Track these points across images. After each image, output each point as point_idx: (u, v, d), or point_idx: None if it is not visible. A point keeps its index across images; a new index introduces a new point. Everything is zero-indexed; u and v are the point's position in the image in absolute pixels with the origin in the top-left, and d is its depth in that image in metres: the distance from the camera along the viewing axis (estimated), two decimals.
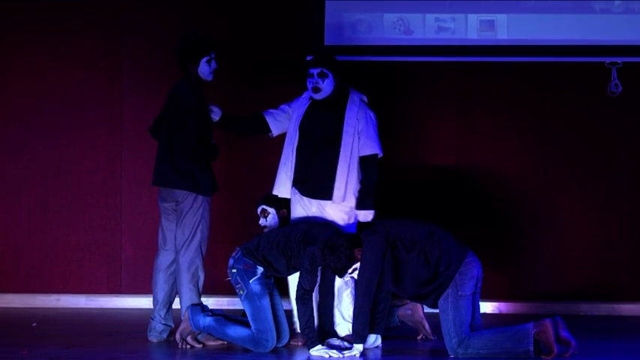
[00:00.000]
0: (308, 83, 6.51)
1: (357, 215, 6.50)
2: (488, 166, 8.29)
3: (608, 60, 8.14)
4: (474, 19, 8.14)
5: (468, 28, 8.15)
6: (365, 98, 6.60)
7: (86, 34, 8.38)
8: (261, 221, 6.65)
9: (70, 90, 8.39)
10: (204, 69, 6.50)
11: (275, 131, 6.73)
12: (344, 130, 6.45)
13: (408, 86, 8.33)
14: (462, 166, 8.29)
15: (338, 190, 6.41)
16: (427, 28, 8.17)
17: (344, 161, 6.42)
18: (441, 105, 8.32)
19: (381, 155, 6.53)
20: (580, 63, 8.19)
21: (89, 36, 8.38)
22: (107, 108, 8.38)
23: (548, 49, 8.09)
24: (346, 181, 6.42)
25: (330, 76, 6.48)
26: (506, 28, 8.13)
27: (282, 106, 6.73)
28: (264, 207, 6.62)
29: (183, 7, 8.36)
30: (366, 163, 6.48)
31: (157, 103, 6.91)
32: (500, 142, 8.29)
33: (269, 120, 6.70)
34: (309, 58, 6.61)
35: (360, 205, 6.46)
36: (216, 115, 6.62)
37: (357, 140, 6.47)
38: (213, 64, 6.52)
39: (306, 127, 6.52)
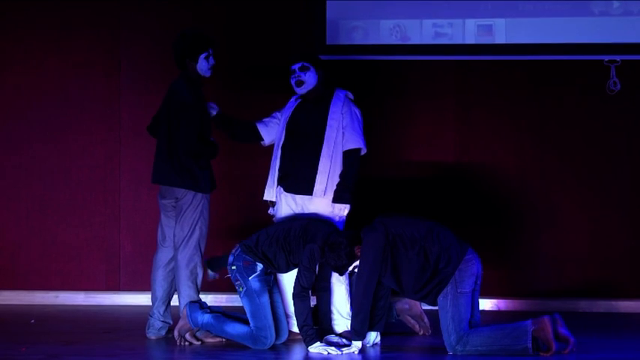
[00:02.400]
0: (291, 80, 6.53)
1: (335, 208, 6.49)
2: (487, 164, 8.29)
3: (606, 58, 8.15)
4: (471, 24, 8.12)
5: (466, 33, 8.14)
6: (350, 95, 6.60)
7: (85, 32, 8.38)
8: (270, 210, 6.67)
9: (68, 87, 8.39)
10: (202, 65, 6.51)
11: (267, 139, 6.73)
12: (328, 124, 6.45)
13: (407, 85, 8.34)
14: (460, 164, 8.29)
15: (319, 184, 6.40)
16: (424, 34, 8.16)
17: (326, 156, 6.41)
18: (440, 103, 8.32)
19: (364, 151, 6.51)
20: (579, 61, 8.19)
21: (88, 33, 8.38)
22: (106, 105, 8.38)
23: (547, 47, 8.09)
24: (328, 175, 6.41)
25: (312, 68, 6.49)
26: (505, 33, 8.11)
27: (273, 114, 6.74)
28: None
29: (182, 5, 8.36)
30: (348, 157, 6.46)
31: (155, 100, 6.91)
32: (499, 140, 8.29)
33: (260, 128, 6.70)
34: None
35: (337, 198, 6.42)
36: (213, 110, 6.62)
37: (342, 135, 6.46)
38: (212, 60, 6.54)
39: (291, 125, 6.53)
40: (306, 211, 6.45)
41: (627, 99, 8.22)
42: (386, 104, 8.26)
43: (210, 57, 6.53)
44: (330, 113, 6.47)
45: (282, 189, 6.53)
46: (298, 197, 6.49)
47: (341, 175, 6.45)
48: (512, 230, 8.27)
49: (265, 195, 6.62)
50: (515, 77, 8.29)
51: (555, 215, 8.26)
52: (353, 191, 6.46)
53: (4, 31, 8.41)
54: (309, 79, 6.49)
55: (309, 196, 6.44)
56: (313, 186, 6.41)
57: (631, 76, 8.18)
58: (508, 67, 8.26)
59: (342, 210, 6.45)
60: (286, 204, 6.54)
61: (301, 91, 6.51)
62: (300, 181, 6.45)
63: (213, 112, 6.61)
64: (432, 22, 8.14)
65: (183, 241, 6.42)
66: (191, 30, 6.56)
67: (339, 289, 6.43)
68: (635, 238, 8.22)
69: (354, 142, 6.46)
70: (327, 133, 6.43)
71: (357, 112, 6.55)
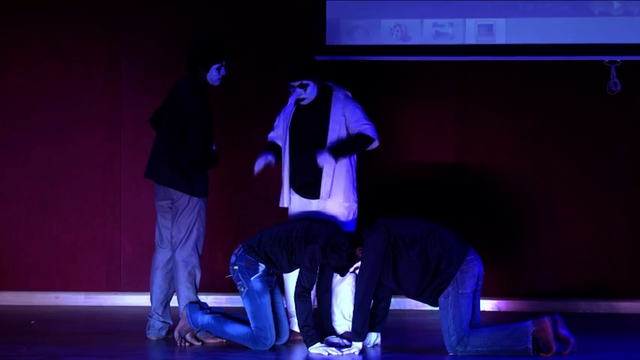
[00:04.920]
0: (292, 94, 6.47)
1: (353, 210, 6.48)
2: (487, 164, 8.29)
3: (607, 59, 8.15)
4: (472, 23, 8.12)
5: (466, 33, 8.13)
6: (349, 93, 6.57)
7: (86, 32, 8.38)
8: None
9: (69, 87, 8.39)
10: (213, 75, 6.47)
11: None
12: (330, 127, 6.43)
13: (407, 86, 8.34)
14: (461, 165, 8.29)
15: (324, 186, 6.40)
16: (425, 33, 8.16)
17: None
18: (440, 103, 8.32)
19: (377, 140, 6.47)
20: (579, 62, 8.19)
21: (88, 33, 8.38)
22: (106, 105, 8.38)
23: (548, 47, 8.09)
24: (332, 177, 6.40)
25: (311, 83, 6.44)
26: (505, 33, 8.11)
27: (275, 123, 6.68)
28: None
29: (182, 5, 8.36)
30: (357, 136, 6.40)
31: (156, 100, 6.90)
32: (499, 141, 8.29)
33: (278, 142, 6.66)
34: (287, 64, 6.46)
35: (333, 149, 6.33)
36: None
37: (346, 136, 6.44)
38: (223, 71, 6.49)
39: (293, 131, 6.51)
40: (323, 211, 6.44)
41: (628, 99, 8.21)
42: (386, 105, 8.26)
43: (223, 68, 6.49)
44: (331, 116, 6.45)
45: (296, 193, 6.53)
46: (314, 201, 6.49)
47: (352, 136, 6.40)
48: (513, 231, 8.27)
49: (283, 202, 6.59)
50: (515, 78, 8.28)
51: (556, 216, 8.26)
52: (340, 156, 6.35)
53: (4, 31, 8.41)
54: (310, 94, 6.45)
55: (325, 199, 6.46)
56: (319, 189, 6.41)
57: (631, 76, 8.18)
58: (508, 67, 8.25)
59: (328, 160, 6.31)
60: (300, 204, 6.52)
61: (304, 103, 6.49)
62: (313, 188, 6.45)
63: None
64: (433, 21, 8.14)
65: (180, 242, 6.41)
66: (209, 37, 6.50)
67: (345, 290, 6.42)
68: (635, 239, 8.22)
69: (370, 132, 6.40)
70: (329, 135, 6.42)
71: (358, 104, 6.52)
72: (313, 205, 6.49)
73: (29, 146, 8.39)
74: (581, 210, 8.26)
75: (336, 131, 6.43)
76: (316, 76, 6.44)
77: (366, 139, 6.42)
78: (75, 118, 8.39)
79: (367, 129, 6.43)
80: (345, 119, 6.45)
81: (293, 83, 6.42)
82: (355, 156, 6.51)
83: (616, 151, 8.25)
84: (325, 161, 6.34)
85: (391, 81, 8.33)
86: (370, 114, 6.61)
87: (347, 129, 6.44)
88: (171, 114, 6.45)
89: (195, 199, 6.41)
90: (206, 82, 6.48)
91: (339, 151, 6.37)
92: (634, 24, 8.05)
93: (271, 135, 6.68)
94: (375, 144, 6.49)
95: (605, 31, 8.05)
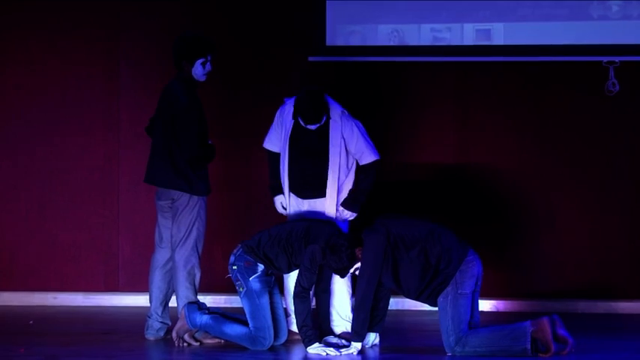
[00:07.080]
0: (306, 125, 6.42)
1: (343, 212, 6.50)
2: (486, 165, 8.29)
3: (605, 59, 8.15)
4: (470, 28, 8.12)
5: (464, 38, 8.13)
6: (346, 111, 6.54)
7: (84, 32, 8.38)
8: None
9: (67, 88, 8.39)
10: (198, 70, 6.48)
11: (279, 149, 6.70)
12: (330, 143, 6.44)
13: (407, 87, 8.33)
14: (460, 166, 8.29)
15: (330, 188, 6.43)
16: (422, 39, 8.15)
17: (333, 169, 6.43)
18: (440, 105, 8.32)
19: (379, 158, 6.51)
20: (578, 62, 8.19)
21: (88, 33, 8.38)
22: (105, 106, 8.38)
23: (546, 48, 8.09)
24: (337, 194, 6.44)
25: (324, 117, 6.42)
26: (503, 37, 8.11)
27: (270, 132, 6.63)
28: None
29: (182, 5, 8.36)
30: (366, 170, 6.48)
31: (154, 101, 6.88)
32: (498, 141, 8.29)
33: (271, 148, 6.64)
34: (302, 108, 6.39)
35: (348, 205, 6.47)
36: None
37: (345, 151, 6.44)
38: (208, 66, 6.49)
39: (294, 144, 6.49)
40: (314, 210, 6.44)
41: (626, 100, 8.22)
42: (385, 106, 8.26)
43: (208, 63, 6.49)
44: (330, 139, 6.44)
45: (293, 194, 6.53)
46: (306, 200, 6.50)
47: (357, 184, 6.47)
48: (512, 231, 8.27)
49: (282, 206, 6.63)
50: (514, 79, 8.28)
51: (555, 216, 8.26)
52: (364, 202, 6.50)
53: (4, 31, 8.40)
54: (322, 121, 6.45)
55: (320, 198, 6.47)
56: (324, 192, 6.42)
57: (630, 77, 8.18)
58: (507, 68, 8.26)
59: (348, 216, 6.50)
60: (296, 204, 6.53)
61: (313, 127, 6.48)
62: (310, 191, 6.47)
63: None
64: (430, 26, 8.14)
65: (180, 242, 6.42)
66: (193, 33, 6.54)
67: (341, 290, 6.42)
68: (634, 239, 8.22)
69: (368, 156, 6.47)
70: (330, 152, 6.43)
71: (357, 124, 6.51)
72: (305, 204, 6.49)
73: (28, 146, 8.38)
74: (580, 210, 8.26)
75: (337, 147, 6.44)
76: (328, 109, 6.44)
77: (370, 169, 6.48)
78: (74, 119, 8.38)
79: (367, 155, 6.47)
80: (344, 140, 6.45)
81: (311, 127, 6.39)
82: (345, 170, 6.53)
83: (615, 151, 8.26)
84: (349, 215, 6.49)
85: (391, 82, 8.32)
86: (370, 115, 6.62)
87: (346, 149, 6.46)
88: (163, 115, 6.47)
89: (195, 198, 6.42)
90: (193, 79, 6.49)
91: (356, 205, 6.49)
92: (632, 26, 8.05)
93: (267, 144, 6.67)
94: (378, 162, 6.53)
95: (604, 34, 8.05)
